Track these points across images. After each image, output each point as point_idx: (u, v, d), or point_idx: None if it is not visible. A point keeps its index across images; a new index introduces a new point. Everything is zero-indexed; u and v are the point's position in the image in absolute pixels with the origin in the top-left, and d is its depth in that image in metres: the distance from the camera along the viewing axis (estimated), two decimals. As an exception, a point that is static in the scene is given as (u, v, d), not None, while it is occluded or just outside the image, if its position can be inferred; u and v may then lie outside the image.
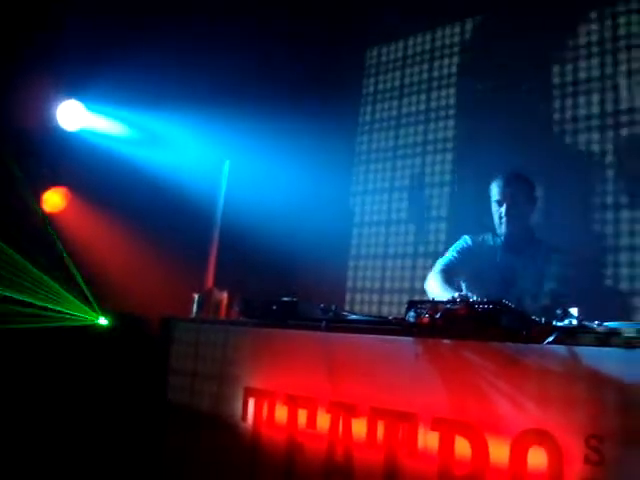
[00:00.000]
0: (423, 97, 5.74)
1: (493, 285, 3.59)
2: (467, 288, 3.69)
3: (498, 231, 3.78)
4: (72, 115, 5.39)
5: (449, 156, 5.42)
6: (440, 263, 3.86)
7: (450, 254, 3.90)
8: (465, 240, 3.93)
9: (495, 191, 3.76)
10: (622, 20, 4.61)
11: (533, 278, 3.56)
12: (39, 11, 5.07)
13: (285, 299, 3.26)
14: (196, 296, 3.81)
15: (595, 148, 4.56)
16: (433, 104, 5.65)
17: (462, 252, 3.88)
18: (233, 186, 5.42)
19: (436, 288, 3.59)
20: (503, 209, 3.68)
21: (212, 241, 5.08)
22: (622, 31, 4.62)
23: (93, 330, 4.36)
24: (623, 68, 4.55)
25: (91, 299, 4.33)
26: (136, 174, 5.09)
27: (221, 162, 5.36)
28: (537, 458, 2.11)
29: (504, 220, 3.68)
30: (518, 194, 3.70)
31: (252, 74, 5.54)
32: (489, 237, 3.88)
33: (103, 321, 4.37)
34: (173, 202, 5.00)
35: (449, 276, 3.69)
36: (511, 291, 3.48)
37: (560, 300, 3.23)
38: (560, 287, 3.48)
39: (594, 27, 4.74)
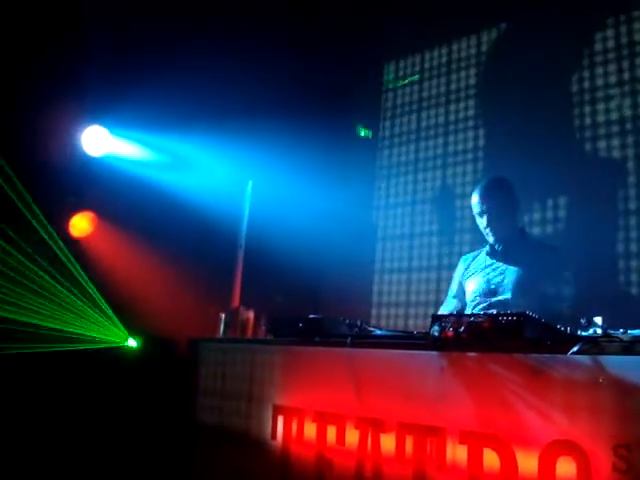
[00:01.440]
0: (442, 110, 5.77)
1: (480, 295, 3.66)
2: (468, 301, 3.74)
3: (487, 240, 3.77)
4: (97, 141, 5.49)
5: (470, 167, 5.43)
6: (446, 300, 3.98)
7: (448, 295, 3.99)
8: (458, 265, 4.00)
9: (474, 204, 3.75)
10: (637, 25, 4.62)
11: (520, 280, 3.53)
12: (63, 37, 5.17)
13: (311, 316, 3.29)
14: (223, 316, 3.86)
15: (616, 154, 4.55)
16: (452, 117, 5.67)
17: (455, 282, 3.95)
18: (256, 206, 5.47)
19: None
20: (484, 221, 3.69)
21: (237, 261, 5.12)
22: (638, 37, 4.62)
23: (123, 352, 4.42)
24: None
25: (119, 322, 4.39)
26: (161, 197, 5.16)
27: (244, 182, 5.40)
28: (566, 468, 2.10)
29: (487, 231, 3.70)
30: (496, 203, 3.67)
31: (271, 93, 5.60)
32: (483, 249, 3.87)
33: (132, 343, 4.43)
34: (198, 223, 5.06)
35: (456, 309, 3.76)
36: (492, 300, 3.55)
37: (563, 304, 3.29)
38: (559, 287, 3.43)
39: (610, 33, 4.75)
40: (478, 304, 3.64)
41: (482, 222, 3.71)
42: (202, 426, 3.63)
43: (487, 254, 3.76)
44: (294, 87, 5.77)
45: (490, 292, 3.61)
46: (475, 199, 3.72)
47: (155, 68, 5.05)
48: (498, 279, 3.62)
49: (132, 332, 4.48)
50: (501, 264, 3.67)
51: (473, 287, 3.74)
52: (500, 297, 3.54)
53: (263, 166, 5.44)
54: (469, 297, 3.75)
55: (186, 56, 5.13)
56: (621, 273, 4.32)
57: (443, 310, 3.89)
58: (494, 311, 2.99)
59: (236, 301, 4.88)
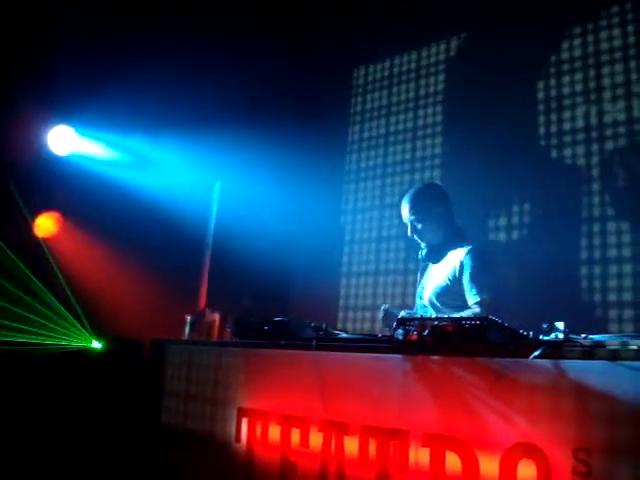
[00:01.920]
0: (410, 115, 5.80)
1: (417, 294, 3.88)
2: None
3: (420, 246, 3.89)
4: (63, 140, 5.44)
5: (437, 172, 5.47)
6: None
7: None
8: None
9: (402, 212, 3.84)
10: (604, 35, 4.69)
11: (440, 282, 3.66)
12: (29, 38, 5.12)
13: (276, 319, 3.29)
14: (188, 318, 3.83)
15: (580, 162, 4.61)
16: (420, 122, 5.71)
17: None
18: (224, 207, 5.45)
19: None
20: (410, 229, 3.79)
21: (204, 263, 5.10)
22: (605, 45, 4.69)
23: (87, 353, 4.37)
24: (606, 82, 4.62)
25: (84, 323, 4.35)
26: (128, 197, 5.12)
27: (212, 184, 5.38)
28: (526, 471, 2.13)
29: (415, 237, 3.81)
30: (418, 213, 3.74)
31: (240, 96, 5.58)
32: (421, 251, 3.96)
33: (96, 344, 4.39)
34: (165, 224, 5.03)
35: None
36: (425, 297, 3.74)
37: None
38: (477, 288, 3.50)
39: (577, 42, 4.82)
40: (415, 305, 3.87)
41: (409, 230, 3.80)
42: (167, 428, 3.61)
43: (420, 258, 3.89)
44: (264, 90, 5.76)
45: (421, 293, 3.80)
46: (403, 208, 3.82)
47: (122, 68, 5.02)
48: (426, 280, 3.82)
49: (97, 334, 4.44)
50: (430, 265, 3.85)
51: (418, 291, 3.90)
52: (427, 298, 3.71)
53: (231, 167, 5.42)
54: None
55: (154, 57, 5.10)
56: (584, 279, 4.38)
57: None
58: (429, 313, 3.26)
59: (202, 302, 4.86)
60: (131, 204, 5.07)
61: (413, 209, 3.75)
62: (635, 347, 2.06)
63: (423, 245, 3.81)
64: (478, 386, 2.30)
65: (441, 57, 5.70)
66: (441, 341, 2.39)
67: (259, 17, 5.83)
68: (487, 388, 2.27)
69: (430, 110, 5.67)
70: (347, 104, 6.41)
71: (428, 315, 3.46)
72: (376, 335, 2.87)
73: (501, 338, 2.31)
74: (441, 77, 5.66)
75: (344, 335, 3.14)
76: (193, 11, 5.43)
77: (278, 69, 5.88)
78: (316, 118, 6.14)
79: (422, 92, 5.78)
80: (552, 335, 2.29)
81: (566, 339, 2.25)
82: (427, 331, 2.42)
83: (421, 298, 3.82)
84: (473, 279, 3.50)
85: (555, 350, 2.18)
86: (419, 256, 3.88)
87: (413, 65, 5.90)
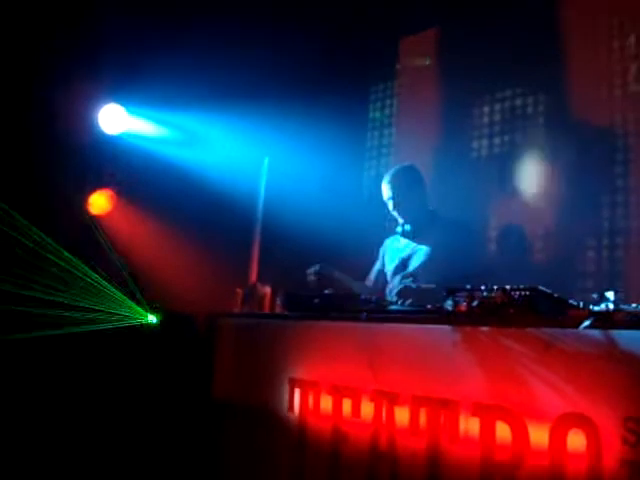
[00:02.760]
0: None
1: (393, 270, 4.09)
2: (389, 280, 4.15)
3: (399, 223, 4.12)
4: (114, 119, 5.53)
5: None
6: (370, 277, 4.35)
7: (375, 266, 4.37)
8: (383, 244, 4.38)
9: (383, 190, 4.09)
10: None
11: (423, 261, 3.90)
12: (78, 16, 5.20)
13: (326, 292, 3.33)
14: (240, 292, 3.90)
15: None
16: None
17: (379, 258, 4.35)
18: (273, 182, 5.50)
19: None
20: (391, 204, 4.04)
21: (254, 237, 5.16)
22: None
23: (143, 329, 4.47)
24: None
25: (140, 298, 4.44)
26: (178, 174, 5.20)
27: (260, 159, 5.43)
28: (576, 441, 2.13)
29: (395, 214, 4.06)
30: (401, 188, 4.01)
31: (289, 72, 5.60)
32: (397, 228, 4.17)
33: (152, 319, 4.48)
34: (215, 200, 5.10)
35: (375, 290, 4.15)
36: (403, 274, 3.96)
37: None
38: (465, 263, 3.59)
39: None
40: (392, 278, 4.05)
41: (390, 206, 4.05)
42: (221, 401, 3.69)
43: (399, 234, 4.11)
44: (309, 65, 5.76)
45: (401, 268, 4.01)
46: (383, 186, 4.09)
47: (170, 46, 5.07)
48: (407, 256, 4.02)
49: (153, 309, 4.53)
50: (411, 242, 4.04)
51: (389, 264, 4.17)
52: (408, 272, 3.93)
53: (280, 143, 5.46)
54: (388, 273, 4.16)
55: (202, 32, 5.14)
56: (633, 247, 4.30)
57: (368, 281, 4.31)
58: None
59: (253, 277, 4.93)
60: (182, 181, 5.15)
61: (394, 186, 4.02)
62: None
63: (401, 221, 4.06)
64: (527, 356, 2.31)
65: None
66: (490, 312, 2.41)
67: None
68: (536, 358, 2.28)
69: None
70: (392, 78, 6.36)
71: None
72: (425, 306, 2.89)
73: (550, 308, 2.32)
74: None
75: (393, 307, 3.16)
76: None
77: (325, 43, 5.87)
78: (361, 92, 6.12)
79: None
80: (602, 305, 2.29)
81: (616, 309, 2.24)
82: (476, 302, 2.44)
83: (397, 272, 4.04)
84: (470, 258, 3.69)
85: (605, 320, 2.18)
86: (399, 232, 4.10)
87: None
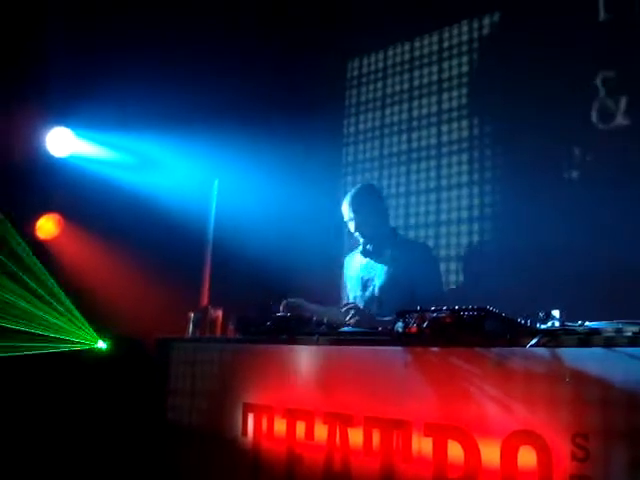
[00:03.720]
0: (405, 106, 5.81)
1: (356, 290, 4.13)
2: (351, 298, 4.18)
3: (359, 243, 4.18)
4: (61, 141, 5.47)
5: (433, 163, 5.50)
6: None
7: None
8: (345, 261, 4.46)
9: (343, 211, 4.15)
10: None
11: (385, 280, 3.96)
12: (24, 41, 5.14)
13: (278, 314, 3.34)
14: (191, 315, 3.87)
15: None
16: (415, 113, 5.72)
17: (345, 275, 4.40)
18: (224, 204, 5.48)
19: None
20: (353, 225, 4.08)
21: (205, 260, 5.14)
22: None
23: (92, 354, 4.41)
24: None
25: (88, 324, 4.39)
26: (127, 197, 5.15)
27: (210, 181, 5.42)
28: (527, 458, 2.18)
29: (357, 234, 4.10)
30: (362, 210, 4.05)
31: (235, 91, 5.60)
32: (358, 248, 4.25)
33: (102, 345, 4.43)
34: (165, 223, 5.06)
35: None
36: (365, 294, 4.01)
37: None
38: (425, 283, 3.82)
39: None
40: (355, 299, 4.07)
41: (351, 227, 4.09)
42: (174, 425, 3.65)
43: (361, 253, 4.17)
44: (259, 86, 5.78)
45: (363, 288, 4.06)
46: (344, 207, 4.13)
47: (120, 70, 5.05)
48: (369, 276, 4.06)
49: (101, 334, 4.48)
50: (372, 262, 4.08)
51: (351, 284, 4.22)
52: (370, 292, 3.98)
53: (229, 165, 5.45)
54: (349, 294, 4.22)
55: (150, 56, 5.13)
56: (579, 266, 4.40)
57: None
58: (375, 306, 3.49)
59: (205, 300, 4.91)
60: (131, 203, 5.10)
61: (354, 207, 4.05)
62: (629, 333, 2.10)
63: (362, 241, 4.11)
64: (477, 375, 2.35)
65: (434, 48, 5.71)
66: (440, 332, 2.44)
67: (250, 14, 5.84)
68: (486, 377, 2.32)
69: (425, 101, 5.68)
70: (342, 97, 6.42)
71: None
72: (376, 328, 2.92)
73: (499, 327, 2.36)
74: (435, 68, 5.67)
75: (345, 329, 3.18)
76: (188, 11, 5.44)
77: (272, 65, 5.90)
78: (312, 111, 6.15)
79: (416, 83, 5.79)
80: (549, 323, 2.34)
81: (562, 327, 2.30)
82: (426, 323, 2.47)
83: (363, 293, 4.07)
84: (430, 278, 3.91)
85: (551, 338, 2.23)
86: (360, 251, 4.16)
87: (407, 57, 5.91)
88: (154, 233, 5.00)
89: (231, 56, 5.49)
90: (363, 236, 4.08)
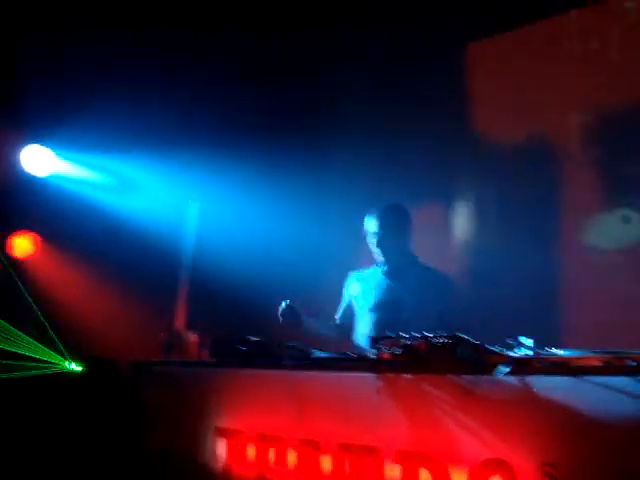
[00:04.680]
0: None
1: (383, 310, 3.94)
2: (359, 316, 4.08)
3: (378, 261, 4.05)
4: (41, 161, 5.46)
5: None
6: (337, 316, 4.28)
7: (341, 304, 4.28)
8: (349, 277, 4.28)
9: (369, 225, 3.99)
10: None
11: (415, 303, 3.80)
12: (2, 59, 5.14)
13: (253, 339, 3.32)
14: (166, 338, 3.85)
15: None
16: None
17: (348, 291, 4.24)
18: (203, 226, 5.47)
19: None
20: (375, 243, 3.96)
21: (180, 283, 5.11)
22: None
23: (65, 376, 4.37)
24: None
25: (61, 346, 4.34)
26: (104, 218, 5.14)
27: (190, 204, 5.41)
28: (496, 486, 2.17)
29: (379, 251, 3.97)
30: (390, 226, 3.94)
31: (217, 115, 5.62)
32: (375, 268, 4.12)
33: (75, 367, 4.39)
34: (141, 244, 5.04)
35: (345, 330, 4.14)
36: (401, 316, 3.78)
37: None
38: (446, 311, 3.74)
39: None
40: (377, 322, 3.92)
41: (373, 244, 3.97)
42: (146, 449, 3.61)
43: (383, 273, 4.04)
44: (241, 109, 5.79)
45: (386, 310, 3.91)
46: (370, 220, 3.98)
47: (97, 88, 5.04)
48: (394, 298, 3.91)
49: (74, 355, 4.43)
50: (396, 284, 3.97)
51: (369, 305, 4.02)
52: (394, 316, 3.80)
53: (210, 188, 5.45)
54: (363, 314, 4.04)
55: (128, 76, 5.13)
56: (549, 294, 4.44)
57: (337, 314, 4.26)
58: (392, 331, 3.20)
59: (179, 322, 4.88)
60: (108, 224, 5.08)
61: (382, 222, 3.94)
62: (599, 362, 2.11)
63: (382, 259, 3.99)
64: (448, 403, 2.34)
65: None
66: (413, 359, 2.44)
67: (237, 33, 5.86)
68: (457, 405, 2.31)
69: None
70: (325, 122, 6.43)
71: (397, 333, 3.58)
72: (351, 355, 2.91)
73: (470, 354, 2.36)
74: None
75: (320, 354, 3.17)
76: (165, 30, 5.45)
77: (254, 87, 5.91)
78: (294, 135, 6.17)
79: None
80: (519, 350, 2.34)
81: (532, 355, 2.30)
82: (399, 349, 2.47)
83: (371, 311, 3.97)
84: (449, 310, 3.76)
85: (521, 366, 2.23)
86: (380, 270, 4.04)
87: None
88: (130, 254, 4.98)
89: (212, 78, 5.49)
90: (384, 254, 3.98)
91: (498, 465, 2.17)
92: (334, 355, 3.10)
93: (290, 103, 6.12)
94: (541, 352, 2.32)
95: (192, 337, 3.82)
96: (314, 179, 6.25)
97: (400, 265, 4.00)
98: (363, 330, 3.97)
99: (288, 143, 5.95)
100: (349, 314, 4.17)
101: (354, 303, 4.15)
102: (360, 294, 4.11)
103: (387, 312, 3.90)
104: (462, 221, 5.18)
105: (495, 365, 2.28)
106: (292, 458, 2.80)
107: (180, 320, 4.94)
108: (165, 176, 5.47)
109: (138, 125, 5.11)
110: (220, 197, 5.48)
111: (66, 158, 5.51)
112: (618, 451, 1.97)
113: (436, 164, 5.13)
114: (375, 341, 2.57)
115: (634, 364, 2.04)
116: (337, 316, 4.26)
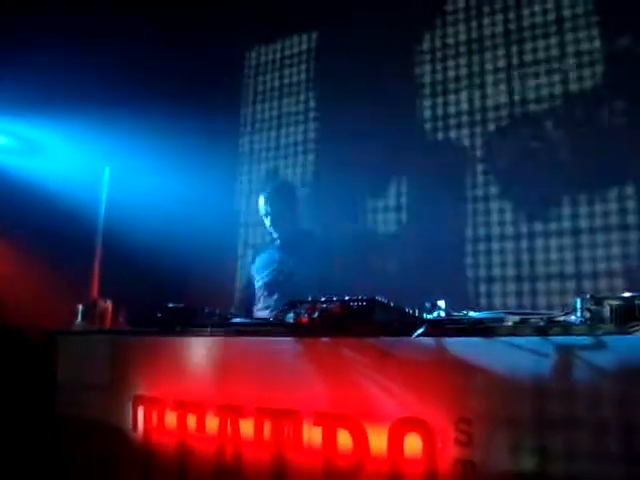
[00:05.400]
0: (302, 97, 5.85)
1: (276, 280, 4.19)
2: (259, 288, 4.28)
3: (273, 237, 4.35)
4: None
5: (311, 157, 5.59)
6: (237, 291, 4.58)
7: (241, 279, 4.62)
8: (248, 254, 4.67)
9: (260, 205, 4.31)
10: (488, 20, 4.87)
11: (305, 273, 4.01)
12: None
13: (170, 305, 3.29)
14: (80, 307, 3.77)
15: (465, 143, 4.80)
16: (312, 104, 5.77)
17: (245, 267, 4.59)
18: (115, 192, 5.35)
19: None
20: (268, 221, 4.26)
21: (95, 250, 5.01)
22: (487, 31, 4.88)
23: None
24: (489, 67, 4.80)
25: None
26: (13, 184, 4.95)
27: (101, 169, 5.27)
28: (413, 443, 2.24)
29: (271, 229, 4.28)
30: (278, 206, 4.23)
31: (129, 77, 5.46)
32: (270, 243, 4.44)
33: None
34: (53, 212, 4.88)
35: (246, 300, 4.39)
36: (288, 285, 4.03)
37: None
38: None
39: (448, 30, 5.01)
40: (271, 293, 4.18)
41: (267, 222, 4.27)
42: (62, 419, 3.54)
43: (277, 248, 4.30)
44: (154, 72, 5.66)
45: (279, 282, 4.14)
46: (261, 202, 4.29)
47: (3, 49, 4.82)
48: (286, 269, 4.16)
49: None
50: (288, 256, 4.21)
51: (264, 278, 4.26)
52: (289, 286, 3.99)
53: (121, 152, 5.31)
54: (261, 286, 4.27)
55: (34, 36, 4.93)
56: (468, 256, 4.57)
57: (239, 304, 4.45)
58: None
59: (94, 291, 4.78)
60: (18, 191, 4.90)
61: (272, 201, 4.22)
62: (510, 323, 2.19)
63: (276, 236, 4.28)
64: (366, 365, 2.39)
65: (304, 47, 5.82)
66: (330, 322, 2.47)
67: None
68: (374, 366, 2.37)
69: (303, 97, 5.77)
70: (239, 86, 6.38)
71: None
72: (268, 319, 2.92)
73: (387, 317, 2.41)
74: (312, 64, 5.76)
75: (237, 320, 3.17)
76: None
77: (170, 50, 5.78)
78: (208, 100, 6.08)
79: (295, 79, 5.88)
80: (434, 313, 2.41)
81: (447, 317, 2.37)
82: (317, 313, 2.49)
83: (268, 283, 4.21)
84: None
85: (436, 328, 2.29)
86: (274, 247, 4.31)
87: (304, 47, 5.95)
88: (42, 222, 4.81)
89: (124, 39, 5.33)
90: (277, 231, 4.25)
91: (414, 423, 2.25)
92: (252, 320, 3.11)
93: (203, 64, 6.04)
94: (455, 314, 2.39)
95: (107, 305, 3.75)
96: (232, 144, 6.23)
97: (291, 239, 4.24)
98: (262, 303, 4.21)
99: (201, 105, 5.87)
100: (249, 288, 4.38)
101: (253, 278, 4.37)
102: (258, 267, 4.35)
103: (281, 284, 4.12)
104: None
105: (410, 327, 2.34)
106: (212, 424, 2.80)
107: (95, 288, 4.85)
108: (78, 140, 5.29)
109: (46, 86, 4.91)
110: (131, 161, 5.36)
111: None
112: (528, 407, 2.07)
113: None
114: (293, 305, 2.58)
115: (542, 324, 2.13)
116: (237, 291, 4.58)
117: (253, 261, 4.44)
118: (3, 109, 5.03)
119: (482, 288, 4.37)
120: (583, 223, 4.27)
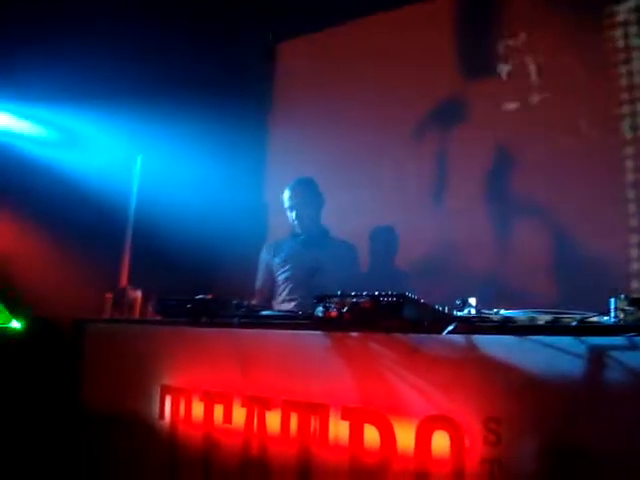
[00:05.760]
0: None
1: (301, 274, 4.21)
2: (281, 282, 4.33)
3: (297, 231, 4.37)
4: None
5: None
6: (257, 290, 4.49)
7: (259, 275, 4.52)
8: (264, 252, 4.56)
9: (286, 199, 4.36)
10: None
11: (334, 272, 4.07)
12: None
13: (199, 297, 3.30)
14: (110, 296, 3.79)
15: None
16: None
17: (265, 261, 4.51)
18: (147, 182, 5.37)
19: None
20: (293, 214, 4.31)
21: (126, 240, 5.03)
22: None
23: (6, 334, 4.28)
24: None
25: (2, 304, 4.24)
26: (46, 173, 4.99)
27: (134, 159, 5.30)
28: (440, 442, 2.22)
29: (297, 223, 4.32)
30: (304, 200, 4.31)
31: (162, 67, 5.48)
32: (291, 238, 4.44)
33: (16, 324, 4.30)
34: (85, 201, 4.91)
35: (266, 297, 4.37)
36: (318, 279, 4.06)
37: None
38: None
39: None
40: (294, 287, 4.22)
41: (292, 215, 4.32)
42: (90, 407, 3.57)
43: (300, 243, 4.34)
44: (185, 63, 5.67)
45: (303, 277, 4.16)
46: (286, 195, 4.35)
47: (42, 41, 4.86)
48: (312, 265, 4.18)
49: (16, 314, 4.33)
50: (313, 252, 4.24)
51: (287, 272, 4.31)
52: (314, 280, 4.04)
53: (154, 142, 5.34)
54: (283, 280, 4.31)
55: (72, 29, 4.96)
56: (499, 254, 4.53)
57: (259, 297, 4.40)
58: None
59: (124, 280, 4.81)
60: (50, 180, 4.93)
61: (298, 195, 4.30)
62: (541, 322, 2.16)
63: (299, 230, 4.32)
64: (394, 361, 2.37)
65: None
66: (359, 317, 2.45)
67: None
68: (403, 363, 2.35)
69: None
70: (271, 78, 6.38)
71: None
72: (297, 312, 2.92)
73: (416, 314, 2.39)
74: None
75: (265, 312, 3.17)
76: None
77: (201, 43, 5.80)
78: (239, 91, 6.08)
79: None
80: (465, 311, 2.38)
81: (477, 315, 2.34)
82: (346, 308, 2.48)
83: (291, 278, 4.26)
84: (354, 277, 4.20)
85: (467, 325, 2.27)
86: (298, 241, 4.34)
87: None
88: (74, 212, 4.84)
89: (157, 31, 5.35)
90: (302, 226, 4.29)
91: (443, 421, 2.23)
92: (281, 313, 3.11)
93: (246, 61, 6.06)
94: (486, 312, 2.36)
95: (136, 294, 3.77)
96: (260, 135, 6.23)
97: (314, 235, 4.31)
98: (284, 296, 4.24)
99: (234, 96, 5.88)
100: (269, 282, 4.39)
101: (274, 271, 4.37)
102: (280, 263, 4.37)
103: (306, 278, 4.13)
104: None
105: (440, 324, 2.31)
106: (239, 416, 2.81)
107: (124, 278, 4.87)
108: (109, 129, 5.32)
109: (83, 77, 4.94)
110: (164, 151, 5.39)
111: (8, 111, 5.31)
112: (558, 408, 2.04)
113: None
114: (322, 299, 2.57)
115: (575, 324, 2.10)
116: (258, 284, 4.48)
117: (275, 255, 4.44)
118: (39, 99, 5.08)
119: (513, 287, 4.32)
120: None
